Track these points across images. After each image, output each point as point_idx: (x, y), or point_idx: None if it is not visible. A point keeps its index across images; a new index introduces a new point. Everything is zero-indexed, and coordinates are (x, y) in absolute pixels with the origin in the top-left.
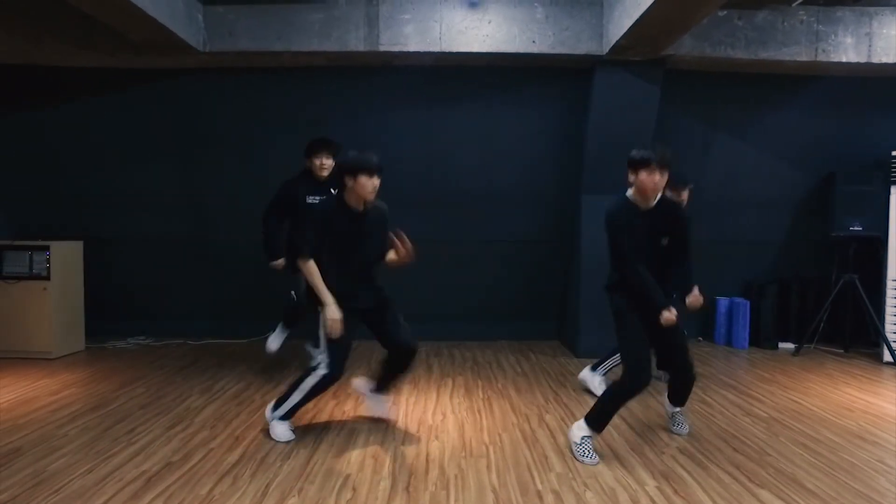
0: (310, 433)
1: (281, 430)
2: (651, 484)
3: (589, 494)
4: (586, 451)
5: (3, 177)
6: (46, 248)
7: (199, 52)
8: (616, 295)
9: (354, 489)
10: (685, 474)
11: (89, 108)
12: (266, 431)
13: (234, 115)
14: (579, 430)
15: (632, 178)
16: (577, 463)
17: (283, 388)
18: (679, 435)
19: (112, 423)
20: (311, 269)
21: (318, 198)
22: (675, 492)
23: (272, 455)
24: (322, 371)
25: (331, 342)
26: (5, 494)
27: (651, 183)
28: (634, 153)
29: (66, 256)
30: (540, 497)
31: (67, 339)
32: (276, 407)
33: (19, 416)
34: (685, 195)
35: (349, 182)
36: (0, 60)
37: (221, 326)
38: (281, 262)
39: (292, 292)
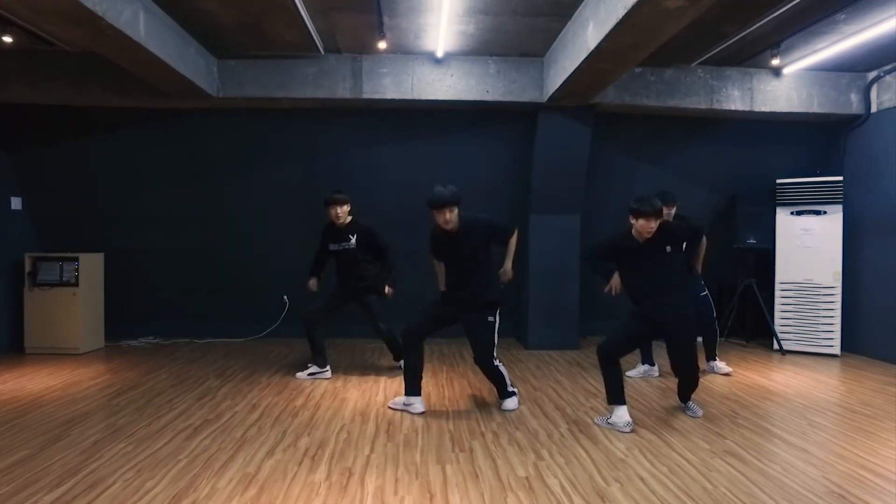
0: (310, 401)
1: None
2: (564, 426)
3: (518, 434)
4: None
5: (39, 199)
6: (76, 259)
7: (212, 97)
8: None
9: (348, 432)
10: (590, 421)
11: (117, 141)
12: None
13: (238, 149)
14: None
15: (632, 221)
16: (512, 416)
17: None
18: (696, 417)
19: (152, 397)
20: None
21: (337, 245)
22: (580, 431)
23: (284, 414)
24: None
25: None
26: (95, 436)
27: (647, 228)
28: (634, 204)
29: (91, 266)
30: (483, 435)
31: (91, 337)
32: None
33: (74, 392)
34: (673, 210)
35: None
36: (46, 102)
37: (222, 328)
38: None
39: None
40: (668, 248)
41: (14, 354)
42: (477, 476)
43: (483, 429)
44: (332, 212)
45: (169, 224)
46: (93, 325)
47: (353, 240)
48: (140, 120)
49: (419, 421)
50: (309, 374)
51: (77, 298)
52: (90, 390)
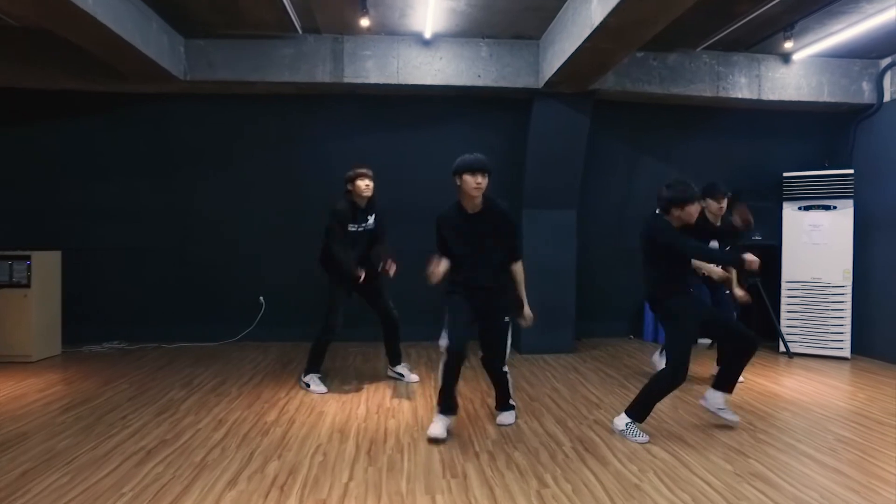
0: (284, 415)
1: (433, 425)
2: (568, 445)
3: (517, 454)
4: (634, 432)
5: None
6: (27, 258)
7: (180, 81)
8: (671, 300)
9: (325, 454)
10: (596, 437)
11: (74, 128)
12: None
13: (210, 138)
14: (620, 420)
15: (677, 212)
16: (509, 430)
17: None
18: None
19: (104, 413)
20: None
21: (357, 226)
22: (585, 449)
23: (253, 432)
24: (442, 349)
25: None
26: (25, 465)
27: (690, 215)
28: (670, 194)
29: (46, 265)
30: (477, 456)
31: (46, 343)
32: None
33: (16, 408)
34: (724, 203)
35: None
36: None
37: (193, 331)
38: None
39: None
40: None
41: None
42: None
43: (477, 448)
44: (361, 184)
45: (134, 219)
46: (47, 329)
47: (372, 220)
48: (101, 105)
49: (405, 439)
50: (315, 387)
51: (28, 301)
52: (35, 405)
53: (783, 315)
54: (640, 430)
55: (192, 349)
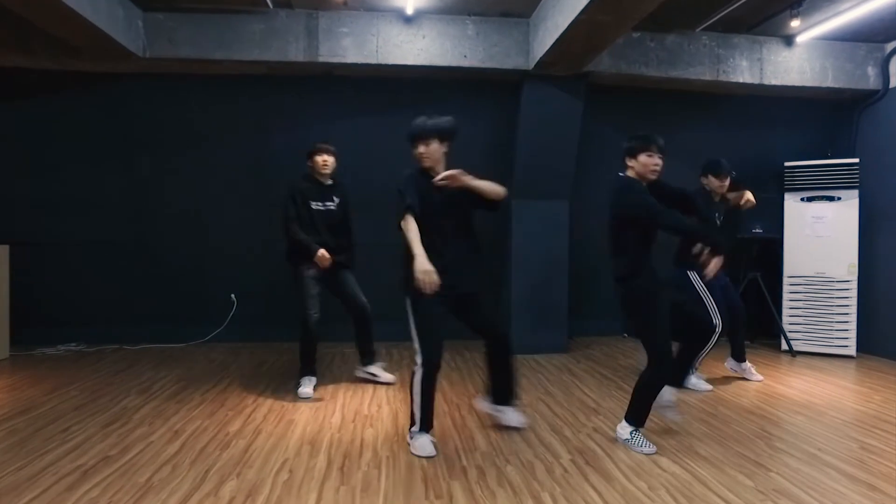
0: (249, 425)
1: (421, 444)
2: (566, 457)
3: (509, 468)
4: (639, 441)
5: None
6: None
7: (139, 58)
8: (637, 281)
9: (291, 471)
10: (597, 448)
11: (23, 110)
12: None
13: (174, 123)
14: (623, 429)
15: (632, 164)
16: (501, 440)
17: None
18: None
19: (44, 425)
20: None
21: (321, 203)
22: (586, 462)
23: (211, 445)
24: (419, 365)
25: (420, 332)
26: None
27: (652, 164)
28: (625, 144)
29: None
30: (465, 472)
31: None
32: (411, 425)
33: None
34: (726, 182)
35: None
36: None
37: (159, 331)
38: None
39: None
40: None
41: None
42: None
43: (465, 462)
44: (319, 159)
45: (92, 210)
46: None
47: (337, 202)
48: (53, 85)
49: (383, 451)
50: (302, 388)
51: None
52: None
53: (785, 311)
54: (646, 440)
55: (156, 351)
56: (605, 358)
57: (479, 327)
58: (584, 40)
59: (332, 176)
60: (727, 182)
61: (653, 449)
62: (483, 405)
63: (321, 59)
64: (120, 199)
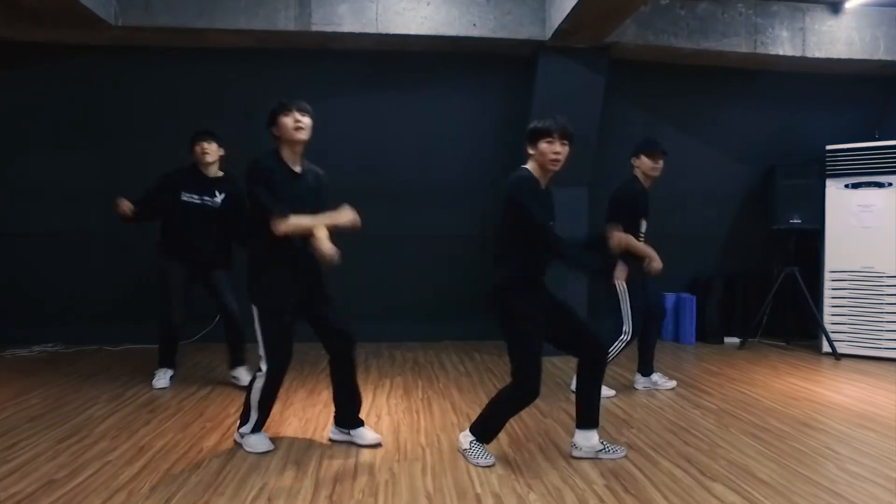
0: (227, 440)
1: (255, 441)
2: (599, 482)
3: (532, 496)
4: (478, 453)
5: None
6: None
7: (111, 27)
8: (515, 293)
9: (269, 499)
10: (635, 470)
11: None
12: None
13: (153, 100)
14: (465, 437)
15: (531, 151)
16: (521, 463)
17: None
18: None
19: None
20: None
21: (196, 196)
22: (625, 489)
23: (179, 465)
24: (263, 369)
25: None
26: None
27: (543, 155)
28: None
29: None
30: (479, 500)
31: None
32: (241, 425)
33: None
34: (660, 164)
35: None
36: None
37: (143, 331)
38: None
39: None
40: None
41: None
42: None
43: (478, 489)
44: (198, 148)
45: (69, 199)
46: None
47: (220, 198)
48: (15, 58)
49: (382, 475)
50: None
51: None
52: None
53: (826, 310)
54: (486, 451)
55: (138, 352)
56: (629, 361)
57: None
58: (611, 1)
59: (220, 167)
60: (661, 163)
61: (490, 461)
62: (334, 434)
63: (314, 29)
64: (96, 187)
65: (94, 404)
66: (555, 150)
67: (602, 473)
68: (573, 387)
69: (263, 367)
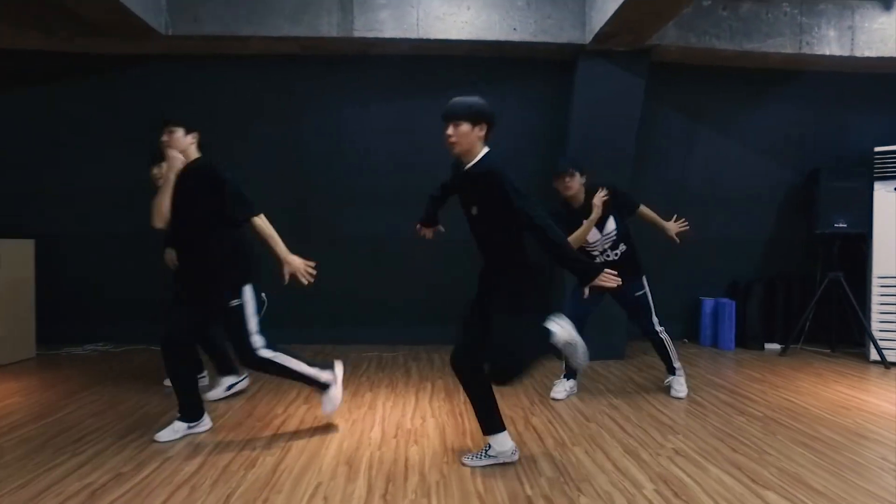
0: (278, 440)
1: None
2: (649, 487)
3: (583, 500)
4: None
5: None
6: None
7: (161, 37)
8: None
9: (326, 498)
10: (684, 476)
11: (41, 96)
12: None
13: (198, 107)
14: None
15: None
16: (568, 463)
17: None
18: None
19: (56, 433)
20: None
21: None
22: (676, 494)
23: (235, 463)
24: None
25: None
26: None
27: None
28: None
29: (16, 256)
30: (530, 502)
31: (16, 345)
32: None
33: None
34: (563, 181)
35: None
36: None
37: None
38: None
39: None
40: None
41: None
42: None
43: (529, 490)
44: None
45: (118, 203)
46: (18, 329)
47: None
48: (71, 69)
49: (432, 475)
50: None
51: None
52: None
53: (874, 317)
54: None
55: None
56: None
57: None
58: (653, 5)
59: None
60: (563, 181)
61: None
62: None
63: (356, 34)
64: (146, 191)
65: (148, 403)
66: (447, 133)
67: (651, 478)
68: (553, 395)
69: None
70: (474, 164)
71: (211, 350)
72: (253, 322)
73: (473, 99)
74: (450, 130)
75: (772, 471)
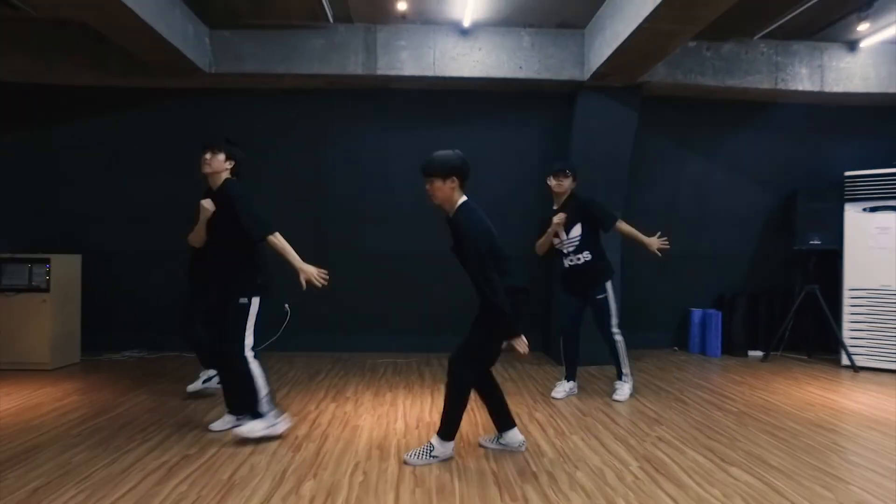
0: (315, 430)
1: (280, 425)
2: (634, 465)
3: (579, 474)
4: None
5: (6, 192)
6: (47, 261)
7: (205, 74)
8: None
9: (365, 474)
10: (664, 457)
11: (95, 125)
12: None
13: (235, 135)
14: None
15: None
16: (567, 447)
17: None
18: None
19: (122, 425)
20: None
21: None
22: (656, 470)
23: (283, 448)
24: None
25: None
26: (37, 482)
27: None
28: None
29: (66, 269)
30: (535, 477)
31: (64, 351)
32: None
33: (29, 419)
34: (556, 181)
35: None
36: (8, 79)
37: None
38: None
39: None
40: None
41: None
42: None
43: (535, 468)
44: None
45: (157, 222)
46: (66, 336)
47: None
48: (122, 101)
49: (453, 459)
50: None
51: (47, 306)
52: (49, 416)
53: (846, 325)
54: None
55: None
56: (659, 371)
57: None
58: (643, 49)
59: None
60: (555, 181)
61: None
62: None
63: (379, 73)
64: (182, 211)
65: (194, 401)
66: (426, 188)
67: (636, 458)
68: (553, 394)
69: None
70: (453, 214)
71: (197, 345)
72: (251, 325)
73: (445, 155)
74: (427, 186)
75: (739, 453)
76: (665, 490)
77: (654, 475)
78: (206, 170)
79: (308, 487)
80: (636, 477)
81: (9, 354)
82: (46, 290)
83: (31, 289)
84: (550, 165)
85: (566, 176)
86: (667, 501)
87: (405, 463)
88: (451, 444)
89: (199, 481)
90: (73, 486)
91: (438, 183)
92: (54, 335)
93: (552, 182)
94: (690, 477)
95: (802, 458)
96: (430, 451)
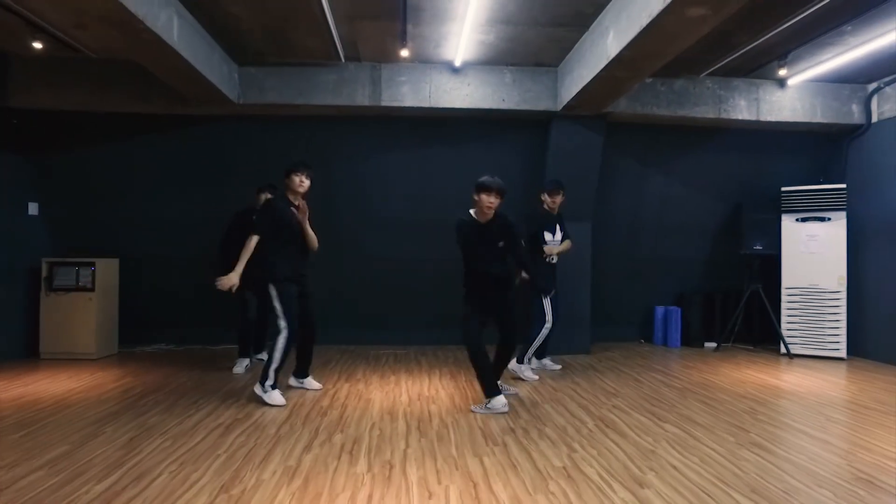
0: (335, 403)
1: (276, 397)
2: (590, 423)
3: (547, 429)
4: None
5: (57, 204)
6: (92, 264)
7: (234, 104)
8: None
9: (380, 430)
10: (615, 418)
11: (135, 147)
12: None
13: (256, 156)
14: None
15: (476, 198)
16: (539, 412)
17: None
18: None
19: (177, 398)
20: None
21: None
22: (607, 426)
23: (313, 413)
24: (283, 332)
25: (286, 307)
26: (130, 433)
27: (487, 202)
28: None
29: (107, 271)
30: (513, 431)
31: (106, 342)
32: (263, 381)
33: (98, 395)
34: (558, 199)
35: None
36: (69, 108)
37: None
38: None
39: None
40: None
41: (30, 359)
42: (515, 466)
43: (512, 425)
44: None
45: (184, 230)
46: (108, 330)
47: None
48: (160, 126)
49: (448, 418)
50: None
51: (93, 303)
52: (113, 392)
53: (783, 319)
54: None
55: (233, 350)
56: (624, 359)
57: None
58: (603, 90)
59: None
60: (555, 198)
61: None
62: (292, 381)
63: (383, 104)
64: (208, 220)
65: (229, 381)
66: (490, 200)
67: (592, 419)
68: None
69: (283, 324)
70: (493, 219)
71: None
72: (278, 306)
73: (502, 182)
74: (493, 199)
75: (674, 414)
76: (611, 439)
77: (605, 429)
78: (302, 190)
79: (338, 438)
80: (590, 430)
81: (61, 345)
82: (92, 290)
83: (78, 288)
84: (554, 184)
85: (562, 195)
86: (611, 446)
87: (472, 411)
88: (500, 398)
89: (253, 434)
90: (158, 436)
91: (500, 199)
92: (98, 329)
93: (553, 199)
94: (632, 430)
95: (722, 418)
96: (486, 404)
